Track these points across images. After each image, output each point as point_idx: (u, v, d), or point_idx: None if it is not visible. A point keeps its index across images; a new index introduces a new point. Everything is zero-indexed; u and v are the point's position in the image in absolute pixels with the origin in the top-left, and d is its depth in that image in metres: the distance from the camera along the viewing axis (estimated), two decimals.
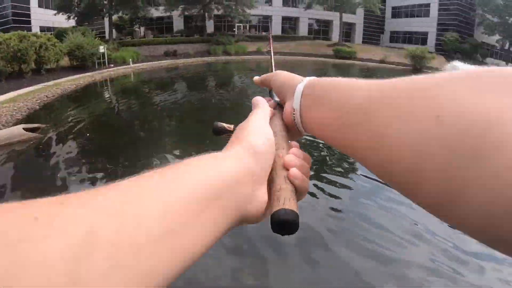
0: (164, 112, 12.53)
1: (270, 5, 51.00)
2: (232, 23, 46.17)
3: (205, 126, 10.63)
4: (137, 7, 29.04)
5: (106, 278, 0.23)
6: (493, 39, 57.95)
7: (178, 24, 41.75)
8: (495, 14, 54.64)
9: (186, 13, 36.24)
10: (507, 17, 54.13)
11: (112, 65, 22.81)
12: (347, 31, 56.67)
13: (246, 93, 16.38)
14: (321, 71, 30.91)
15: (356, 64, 38.96)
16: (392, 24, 64.27)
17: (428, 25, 58.71)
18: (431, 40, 57.72)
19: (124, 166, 7.49)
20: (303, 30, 52.55)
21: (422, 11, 60.19)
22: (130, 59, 24.21)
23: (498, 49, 61.37)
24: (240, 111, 12.79)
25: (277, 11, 51.16)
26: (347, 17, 52.39)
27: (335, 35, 50.37)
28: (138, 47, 29.30)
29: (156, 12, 33.43)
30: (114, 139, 9.52)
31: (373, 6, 45.86)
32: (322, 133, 0.53)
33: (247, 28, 48.08)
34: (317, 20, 55.90)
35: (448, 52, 52.36)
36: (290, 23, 53.60)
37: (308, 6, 48.07)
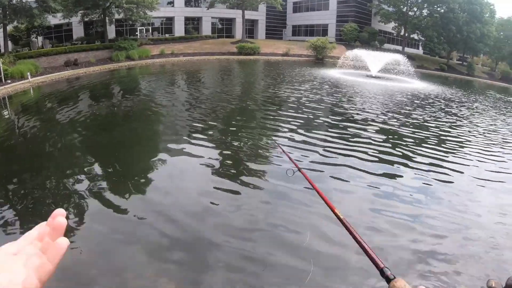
0: (69, 128, 11.69)
1: (172, 6, 50.48)
2: (134, 27, 45.23)
3: (111, 136, 10.60)
4: (33, 15, 27.44)
5: None
6: (389, 26, 62.64)
7: (78, 31, 39.93)
8: (390, 3, 58.92)
9: (85, 18, 34.56)
10: (401, 6, 58.79)
11: (10, 81, 21.19)
12: (250, 27, 57.88)
13: (153, 95, 16.39)
14: (226, 68, 31.44)
15: (260, 58, 39.86)
16: (294, 18, 66.80)
17: (328, 17, 61.79)
18: (332, 31, 60.69)
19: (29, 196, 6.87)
20: (206, 29, 52.73)
21: (322, 4, 63.29)
22: (28, 73, 22.60)
23: (394, 35, 66.37)
24: (144, 119, 12.80)
25: (180, 12, 50.77)
26: (250, 14, 53.56)
27: (239, 32, 51.08)
28: (36, 58, 27.28)
29: (54, 20, 31.77)
30: (12, 165, 8.63)
31: (275, 2, 47.36)
32: None
33: (150, 31, 47.34)
34: (220, 19, 56.42)
35: (348, 41, 55.47)
36: (193, 23, 53.54)
37: (211, 5, 48.20)
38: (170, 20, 50.21)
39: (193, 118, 12.36)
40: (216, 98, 16.16)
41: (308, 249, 5.20)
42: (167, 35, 48.11)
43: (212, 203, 6.40)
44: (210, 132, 10.65)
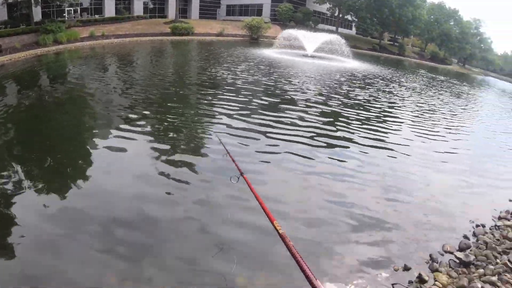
0: None
1: None
2: (62, 7, 42.08)
3: (41, 129, 9.18)
4: None
5: None
6: (324, 7, 63.27)
7: (1, 13, 36.65)
8: None
9: (9, 0, 31.86)
10: None
11: None
12: (184, 7, 55.85)
13: (83, 82, 14.85)
14: (159, 49, 30.11)
15: (194, 39, 38.57)
16: None
17: None
18: (266, 11, 60.19)
19: None
20: (138, 9, 50.14)
21: None
22: None
23: (328, 16, 67.08)
24: (74, 109, 11.30)
25: None
26: None
27: (172, 12, 49.21)
28: None
29: None
30: None
31: None
32: None
33: (78, 12, 44.47)
34: None
35: (283, 21, 55.33)
36: (124, 3, 50.75)
37: None
38: (100, 0, 47.47)
39: (126, 106, 11.13)
40: (150, 82, 14.82)
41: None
42: (97, 16, 44.98)
43: (147, 201, 5.83)
44: (143, 122, 9.63)
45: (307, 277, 1.42)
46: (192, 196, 6.08)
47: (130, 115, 10.22)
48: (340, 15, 64.03)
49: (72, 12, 42.41)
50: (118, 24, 40.44)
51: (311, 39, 35.80)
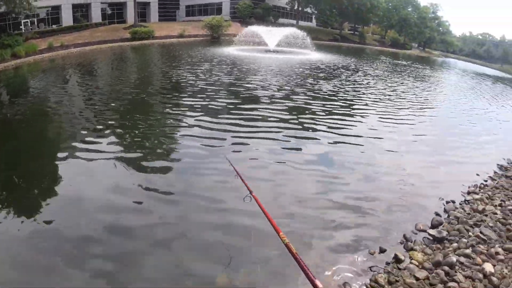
0: None
1: None
2: (18, 20, 40.89)
3: (4, 148, 8.80)
4: None
5: None
6: (283, 1, 63.70)
7: None
8: None
9: None
10: None
11: None
12: (142, 11, 55.02)
13: (45, 96, 14.41)
14: (120, 56, 29.61)
15: (155, 42, 38.04)
16: None
17: None
18: (226, 9, 60.00)
19: None
20: (96, 16, 48.99)
21: None
22: None
23: (288, 10, 67.40)
24: (38, 125, 10.69)
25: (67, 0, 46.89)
26: None
27: (131, 17, 48.36)
28: None
29: None
30: None
31: None
32: None
33: (35, 23, 43.26)
34: (110, 4, 52.42)
35: (243, 18, 55.27)
36: (82, 11, 49.67)
37: None
38: (56, 9, 45.59)
39: (91, 117, 10.80)
40: (113, 91, 14.48)
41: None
42: (54, 26, 43.58)
43: (120, 213, 5.65)
44: (109, 131, 9.35)
45: (313, 284, 1.48)
46: (165, 203, 5.96)
47: (96, 126, 9.95)
48: (300, 8, 64.54)
49: (29, 23, 41.20)
50: (77, 33, 39.48)
51: (272, 34, 35.99)
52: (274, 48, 34.51)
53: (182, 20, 60.09)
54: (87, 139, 8.82)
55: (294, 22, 60.64)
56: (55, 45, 31.92)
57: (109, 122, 10.32)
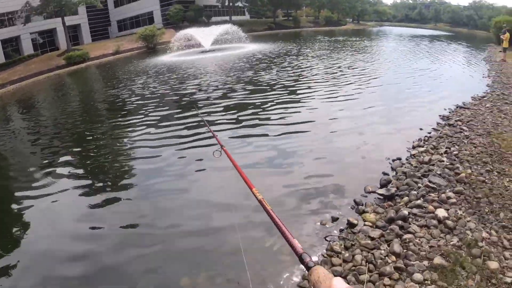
0: None
1: None
2: None
3: None
4: None
5: None
6: (213, 0, 63.47)
7: None
8: None
9: None
10: None
11: None
12: (74, 34, 53.83)
13: None
14: (58, 85, 28.56)
15: (92, 64, 37.31)
16: (117, 13, 64.02)
17: (151, 4, 60.56)
18: (158, 17, 59.83)
19: None
20: (27, 47, 47.48)
21: None
22: None
23: (220, 7, 67.67)
24: None
25: None
26: (71, 20, 49.20)
27: (63, 42, 47.28)
28: None
29: None
30: None
31: (94, 1, 43.70)
32: None
33: None
34: (40, 33, 50.85)
35: (176, 23, 55.26)
36: (12, 45, 48.17)
37: (27, 20, 43.36)
38: None
39: (40, 154, 10.11)
40: (56, 122, 13.86)
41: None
42: None
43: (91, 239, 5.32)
44: (63, 166, 8.56)
45: (286, 238, 1.50)
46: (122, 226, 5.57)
47: (48, 162, 9.24)
48: (231, 4, 64.96)
49: None
50: (10, 69, 38.13)
51: (206, 34, 36.48)
52: (210, 47, 34.91)
53: (115, 36, 59.38)
54: (36, 175, 8.27)
55: (228, 18, 60.99)
56: None
57: (58, 154, 9.76)
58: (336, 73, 16.98)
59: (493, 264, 3.60)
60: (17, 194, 7.55)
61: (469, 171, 5.79)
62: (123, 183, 7.22)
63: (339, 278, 1.13)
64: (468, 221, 4.43)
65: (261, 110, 11.37)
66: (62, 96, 22.04)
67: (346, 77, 15.66)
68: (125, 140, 10.16)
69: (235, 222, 5.03)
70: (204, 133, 9.32)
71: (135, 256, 4.71)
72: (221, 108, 12.03)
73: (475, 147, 6.92)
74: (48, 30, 50.68)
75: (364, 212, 4.98)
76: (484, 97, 11.47)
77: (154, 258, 4.63)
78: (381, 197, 5.38)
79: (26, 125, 14.65)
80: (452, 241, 4.08)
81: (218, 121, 10.44)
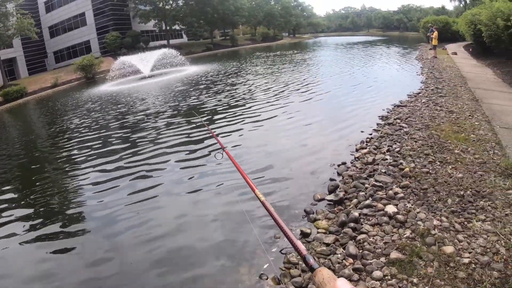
0: None
1: None
2: None
3: None
4: None
5: None
6: (150, 24, 64.53)
7: None
8: (146, 2, 60.71)
9: None
10: (157, 3, 60.89)
11: None
12: (10, 68, 52.09)
13: None
14: None
15: (30, 99, 35.32)
16: (54, 44, 62.93)
17: (88, 33, 60.23)
18: (95, 46, 59.50)
19: None
20: None
21: (78, 21, 61.16)
22: None
23: (157, 32, 68.24)
24: None
25: None
26: (5, 53, 48.05)
27: None
28: None
29: None
30: None
31: (29, 32, 41.59)
32: None
33: None
34: None
35: (114, 50, 55.07)
36: None
37: None
38: None
39: None
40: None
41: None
42: None
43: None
44: (11, 210, 7.65)
45: (289, 239, 1.51)
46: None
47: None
48: (168, 27, 65.57)
49: None
50: None
51: (144, 60, 36.84)
52: (149, 73, 35.14)
53: (53, 68, 58.25)
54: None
55: (166, 42, 61.52)
56: None
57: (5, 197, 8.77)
58: (275, 86, 17.64)
59: (449, 249, 3.79)
60: None
61: (412, 165, 6.10)
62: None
63: (342, 279, 1.19)
64: (418, 213, 4.61)
65: (224, 124, 11.65)
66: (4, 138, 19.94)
67: (285, 90, 16.24)
68: (70, 179, 9.32)
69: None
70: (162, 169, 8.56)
71: None
72: (175, 128, 12.09)
73: (415, 141, 7.28)
74: None
75: (315, 220, 5.05)
76: (419, 93, 12.35)
77: None
78: (331, 203, 5.48)
79: None
80: (405, 234, 4.21)
81: (164, 154, 9.66)
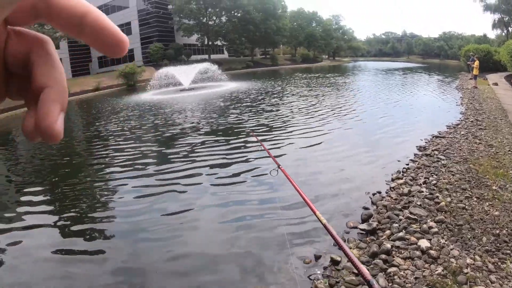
0: None
1: None
2: None
3: None
4: None
5: None
6: (193, 38, 65.57)
7: None
8: (190, 17, 61.77)
9: None
10: (201, 18, 62.02)
11: None
12: None
13: None
14: None
15: (72, 100, 36.24)
16: None
17: (132, 41, 61.44)
18: (138, 55, 60.88)
19: None
20: None
21: (124, 30, 62.45)
22: None
23: (199, 46, 69.23)
24: None
25: None
26: None
27: None
28: None
29: None
30: None
31: None
32: None
33: None
34: None
35: (156, 61, 56.12)
36: None
37: None
38: None
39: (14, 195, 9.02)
40: (37, 163, 12.56)
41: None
42: None
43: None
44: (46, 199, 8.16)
45: (353, 263, 1.51)
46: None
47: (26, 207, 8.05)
48: (210, 43, 66.49)
49: None
50: None
51: (185, 73, 37.09)
52: (189, 86, 35.33)
53: (96, 73, 59.85)
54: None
55: (207, 57, 62.42)
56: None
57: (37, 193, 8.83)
58: (319, 110, 17.21)
59: None
60: None
61: (448, 199, 5.95)
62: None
63: None
64: (451, 249, 4.49)
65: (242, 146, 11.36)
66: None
67: (324, 113, 15.96)
68: (111, 179, 9.48)
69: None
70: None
71: None
72: (206, 153, 11.34)
73: (453, 175, 7.12)
74: None
75: None
76: (458, 124, 12.09)
77: None
78: (363, 232, 5.37)
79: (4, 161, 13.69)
80: (437, 270, 4.07)
81: (214, 151, 10.65)
